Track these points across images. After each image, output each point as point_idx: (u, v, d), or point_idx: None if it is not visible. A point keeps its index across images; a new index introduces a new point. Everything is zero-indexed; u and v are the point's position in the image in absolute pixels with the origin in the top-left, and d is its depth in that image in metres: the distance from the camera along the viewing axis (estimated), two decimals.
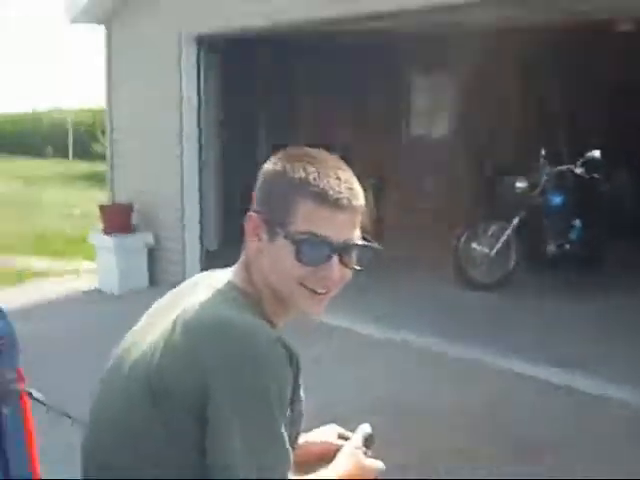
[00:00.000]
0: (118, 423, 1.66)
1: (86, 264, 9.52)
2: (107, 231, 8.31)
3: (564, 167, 7.77)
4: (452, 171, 11.21)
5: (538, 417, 4.76)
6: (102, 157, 21.77)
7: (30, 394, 2.02)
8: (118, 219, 8.28)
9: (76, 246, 10.79)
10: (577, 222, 7.91)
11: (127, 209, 8.36)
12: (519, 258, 7.78)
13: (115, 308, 7.48)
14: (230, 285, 1.70)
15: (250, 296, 1.69)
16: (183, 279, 1.89)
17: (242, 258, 1.76)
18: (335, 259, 1.65)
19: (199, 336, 1.58)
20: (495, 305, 7.22)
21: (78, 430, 2.29)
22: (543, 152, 7.80)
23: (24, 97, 71.69)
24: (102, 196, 10.90)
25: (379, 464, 1.91)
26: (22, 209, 14.76)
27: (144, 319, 1.80)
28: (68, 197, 16.55)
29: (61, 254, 10.40)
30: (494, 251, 7.66)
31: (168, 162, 8.28)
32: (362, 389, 5.16)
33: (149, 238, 8.36)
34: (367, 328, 6.52)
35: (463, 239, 7.65)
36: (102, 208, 8.75)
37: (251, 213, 1.70)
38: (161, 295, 1.85)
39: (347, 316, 6.34)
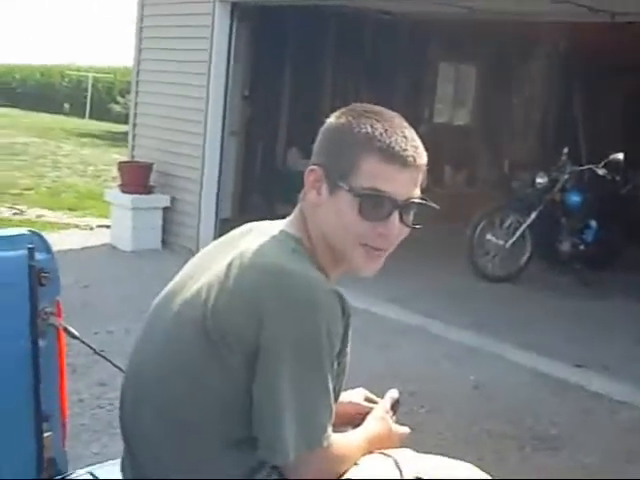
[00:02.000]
0: (166, 358, 1.68)
1: (99, 220, 9.54)
2: (124, 189, 8.31)
3: (586, 166, 7.76)
4: (472, 161, 11.22)
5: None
6: (119, 118, 21.91)
7: (66, 329, 2.04)
8: (136, 178, 8.27)
9: (89, 202, 10.82)
10: (593, 223, 7.91)
11: (146, 169, 8.35)
12: (533, 253, 7.79)
13: (131, 263, 7.55)
14: (286, 234, 1.71)
15: (306, 247, 1.70)
16: (196, 243, 1.91)
17: (297, 210, 1.76)
18: (396, 215, 1.65)
19: (258, 280, 1.59)
20: (504, 297, 7.23)
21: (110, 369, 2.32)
22: (566, 150, 7.78)
23: (48, 50, 71.71)
24: (117, 157, 10.92)
25: (406, 429, 1.94)
26: (37, 162, 14.78)
27: (185, 271, 1.81)
28: (83, 155, 16.54)
29: (74, 209, 10.42)
30: (509, 244, 7.66)
31: (191, 127, 8.27)
32: None
33: (166, 200, 8.36)
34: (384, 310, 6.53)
35: (479, 229, 7.64)
36: (121, 165, 8.75)
37: (313, 166, 1.70)
38: (174, 256, 1.86)
39: (365, 296, 6.36)
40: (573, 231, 7.87)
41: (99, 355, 2.33)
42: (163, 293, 1.80)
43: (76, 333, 2.06)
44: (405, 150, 1.63)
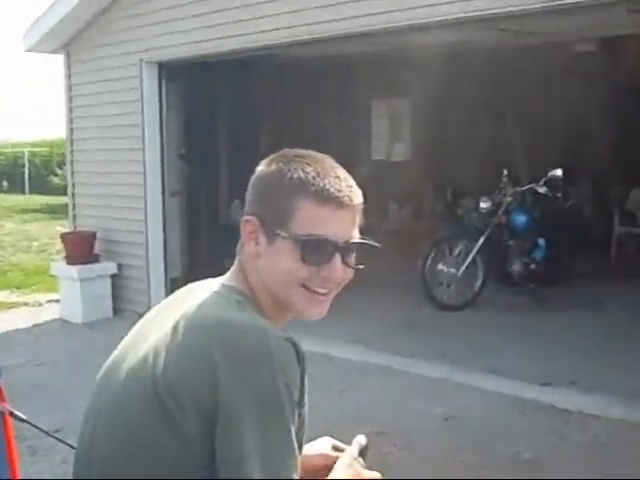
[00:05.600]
0: (117, 426, 1.60)
1: (48, 296, 9.37)
2: (70, 261, 8.18)
3: (527, 186, 7.85)
4: (414, 194, 11.30)
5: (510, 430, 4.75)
6: (59, 190, 21.72)
7: (12, 413, 1.95)
8: (80, 248, 8.15)
9: (36, 278, 10.64)
10: (542, 241, 7.99)
11: (90, 238, 8.24)
12: (485, 278, 7.82)
13: (84, 336, 7.41)
14: (229, 288, 1.67)
15: (249, 298, 1.66)
16: (148, 307, 1.85)
17: (236, 263, 1.72)
18: (338, 258, 1.62)
19: (207, 335, 1.53)
20: (463, 325, 7.22)
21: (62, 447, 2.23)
22: (505, 172, 7.86)
23: None
24: (61, 229, 10.80)
25: (376, 475, 1.88)
26: None
27: (132, 333, 1.75)
28: (26, 231, 16.32)
29: (21, 287, 10.23)
30: (461, 271, 7.68)
31: (130, 191, 8.20)
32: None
33: (112, 267, 8.25)
34: (341, 351, 6.47)
35: (429, 260, 7.65)
36: (64, 236, 8.63)
37: (247, 217, 1.66)
38: (127, 323, 1.81)
39: (323, 340, 6.30)
40: (522, 251, 7.93)
41: (51, 436, 2.24)
42: (106, 364, 1.73)
43: (23, 416, 1.98)
44: (340, 191, 1.61)
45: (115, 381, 1.65)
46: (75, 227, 8.99)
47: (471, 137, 11.54)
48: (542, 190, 7.62)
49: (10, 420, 1.96)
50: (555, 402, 5.15)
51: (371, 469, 1.90)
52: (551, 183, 7.60)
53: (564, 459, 4.34)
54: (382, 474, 1.91)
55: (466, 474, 4.14)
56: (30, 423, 2.00)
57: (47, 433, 2.17)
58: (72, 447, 1.99)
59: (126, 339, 1.75)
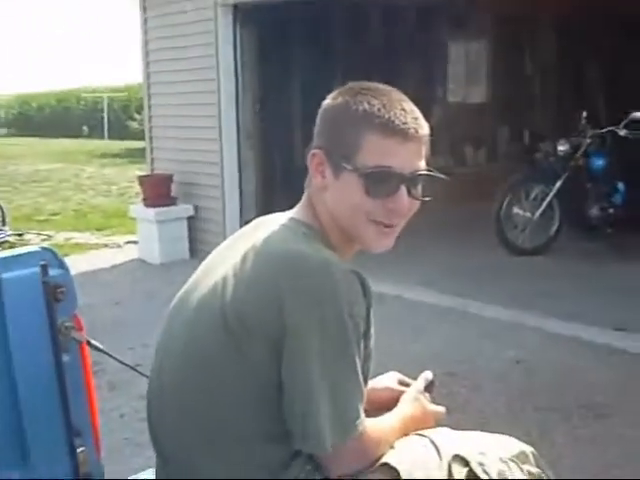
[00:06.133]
0: (187, 357, 1.66)
1: (126, 237, 9.59)
2: (147, 203, 8.34)
3: (606, 129, 7.65)
4: (491, 137, 11.14)
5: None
6: (137, 134, 22.04)
7: (89, 342, 2.03)
8: (158, 190, 8.30)
9: (115, 220, 10.89)
10: (621, 185, 7.80)
11: (167, 180, 8.37)
12: (562, 222, 7.70)
13: (161, 276, 7.60)
14: (296, 221, 1.69)
15: (317, 231, 1.68)
16: None
17: (305, 197, 1.75)
18: (404, 190, 1.63)
19: (274, 267, 1.57)
20: (537, 270, 7.15)
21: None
22: (584, 114, 7.67)
23: (62, 76, 72.49)
24: (139, 173, 10.99)
25: (441, 408, 1.91)
26: (62, 187, 14.90)
27: (203, 267, 1.81)
28: (105, 175, 16.65)
29: (101, 229, 10.48)
30: (537, 215, 7.57)
31: (206, 133, 8.28)
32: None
33: (189, 209, 8.39)
34: (414, 293, 6.49)
35: (505, 204, 7.56)
36: (141, 179, 8.79)
37: (314, 150, 1.68)
38: None
39: (396, 282, 6.32)
40: (601, 196, 7.75)
41: (127, 366, 2.32)
42: (178, 295, 1.79)
43: (99, 345, 2.05)
44: (405, 123, 1.61)
45: (186, 311, 1.70)
46: (153, 170, 9.14)
47: (549, 80, 11.28)
48: (622, 133, 7.40)
49: (87, 349, 2.03)
50: (628, 347, 5.09)
51: (437, 405, 1.93)
52: (632, 126, 7.39)
53: (634, 404, 4.30)
54: (447, 410, 1.94)
55: (535, 417, 4.13)
56: (106, 352, 2.07)
57: (121, 362, 2.25)
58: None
59: (196, 272, 1.80)
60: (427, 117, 1.68)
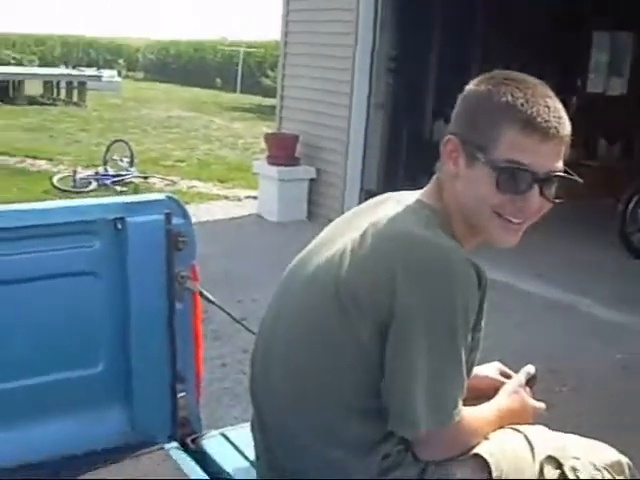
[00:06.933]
0: (298, 321, 1.68)
1: (247, 192, 9.74)
2: (271, 161, 8.44)
3: None
4: (627, 131, 10.75)
5: None
6: (269, 91, 22.27)
7: (202, 294, 2.08)
8: (283, 149, 8.38)
9: (238, 174, 11.06)
10: None
11: (293, 140, 8.44)
12: None
13: (277, 234, 7.74)
14: (422, 204, 1.68)
15: (441, 217, 1.66)
16: (340, 214, 1.88)
17: (434, 180, 1.72)
18: (536, 189, 1.58)
19: (392, 248, 1.57)
20: None
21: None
22: None
23: (201, 26, 73.68)
24: (267, 130, 11.11)
25: (541, 405, 1.88)
26: (190, 135, 15.22)
27: (321, 236, 1.81)
28: (233, 128, 16.90)
29: (223, 180, 10.68)
30: None
31: (337, 99, 8.30)
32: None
33: (311, 172, 8.44)
34: (526, 285, 6.37)
35: (632, 203, 7.31)
36: (268, 137, 8.89)
37: (450, 136, 1.65)
38: (319, 227, 1.86)
39: (508, 271, 6.23)
40: None
41: (235, 320, 2.37)
42: (298, 257, 1.81)
43: (212, 298, 2.10)
44: (547, 121, 1.55)
45: (300, 279, 1.72)
46: (280, 129, 9.22)
47: None
48: None
49: (199, 300, 2.09)
50: None
51: (537, 400, 1.91)
52: None
53: None
54: (547, 408, 1.91)
55: (635, 430, 4.01)
56: (217, 305, 2.13)
57: (232, 317, 2.30)
58: (254, 334, 2.11)
59: (314, 241, 1.81)
60: (563, 107, 1.62)
